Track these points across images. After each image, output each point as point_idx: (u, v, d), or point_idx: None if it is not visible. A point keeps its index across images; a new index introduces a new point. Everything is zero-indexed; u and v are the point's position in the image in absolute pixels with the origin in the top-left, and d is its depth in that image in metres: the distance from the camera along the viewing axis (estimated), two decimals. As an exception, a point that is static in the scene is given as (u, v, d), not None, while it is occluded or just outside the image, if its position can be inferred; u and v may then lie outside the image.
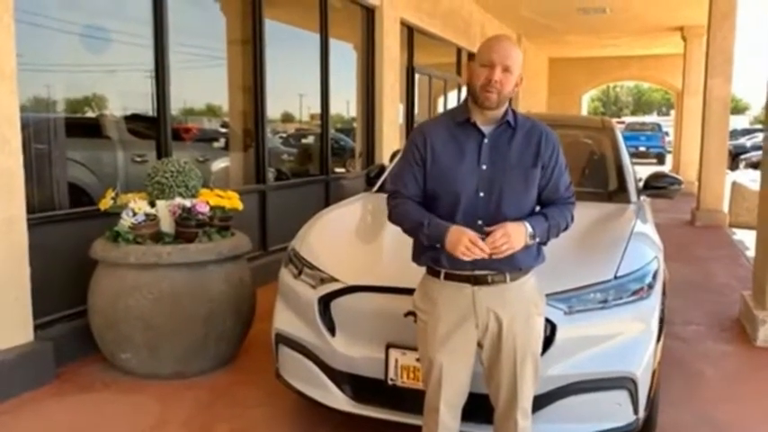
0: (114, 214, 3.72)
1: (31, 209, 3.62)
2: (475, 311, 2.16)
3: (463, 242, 2.01)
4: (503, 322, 2.16)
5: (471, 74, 2.16)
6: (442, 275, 2.19)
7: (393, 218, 2.27)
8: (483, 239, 2.03)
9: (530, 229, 2.09)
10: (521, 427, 2.23)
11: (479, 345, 2.21)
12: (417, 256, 2.27)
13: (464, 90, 13.07)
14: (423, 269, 2.30)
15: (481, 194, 2.14)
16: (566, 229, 2.26)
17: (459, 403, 2.28)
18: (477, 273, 2.14)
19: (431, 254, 2.18)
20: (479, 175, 2.14)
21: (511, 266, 2.15)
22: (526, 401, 2.24)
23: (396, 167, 2.33)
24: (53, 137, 4.21)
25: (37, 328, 3.66)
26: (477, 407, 2.36)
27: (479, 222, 2.12)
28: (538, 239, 2.14)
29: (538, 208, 2.25)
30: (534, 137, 2.20)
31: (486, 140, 2.17)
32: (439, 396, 2.23)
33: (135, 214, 3.61)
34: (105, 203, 3.78)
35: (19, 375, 3.44)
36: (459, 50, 12.11)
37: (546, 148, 2.20)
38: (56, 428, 3.17)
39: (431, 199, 2.20)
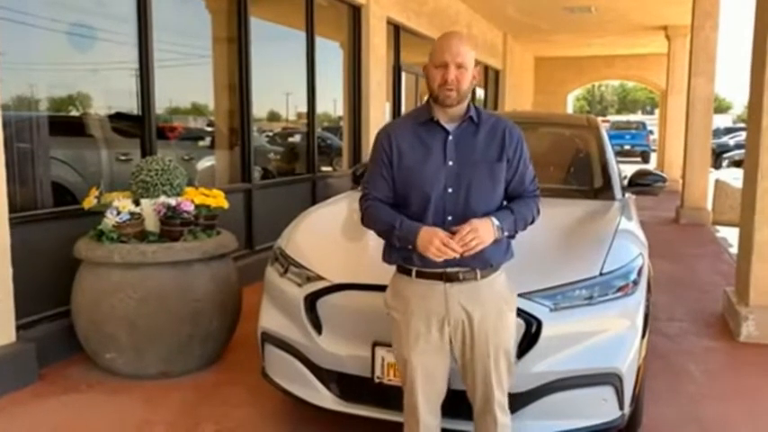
0: (98, 213, 3.69)
1: (13, 208, 3.58)
2: (447, 308, 2.18)
3: (435, 243, 2.03)
4: (474, 319, 2.18)
5: (428, 75, 2.20)
6: (413, 273, 2.20)
7: (365, 221, 2.27)
8: (451, 238, 2.05)
9: (496, 223, 2.11)
10: (500, 423, 2.25)
11: (452, 341, 2.22)
12: (388, 256, 2.27)
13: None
14: None
15: (449, 191, 2.16)
16: (532, 221, 2.28)
17: (437, 400, 2.30)
18: (449, 270, 2.16)
19: (402, 253, 2.19)
20: (446, 172, 2.16)
21: (481, 263, 2.17)
22: (502, 397, 2.26)
23: (366, 171, 2.33)
24: (36, 135, 4.16)
25: (19, 328, 3.62)
26: (460, 403, 2.36)
27: (449, 218, 2.14)
28: (506, 233, 2.16)
29: (505, 203, 2.26)
30: (498, 132, 2.23)
31: (450, 137, 2.20)
32: (417, 394, 2.24)
33: (119, 213, 3.58)
34: (89, 202, 3.75)
35: (0, 376, 3.40)
36: (445, 49, 12.11)
37: (510, 143, 2.22)
38: (38, 430, 3.13)
39: (401, 198, 2.21)
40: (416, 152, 2.20)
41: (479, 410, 2.28)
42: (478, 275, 2.17)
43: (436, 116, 2.21)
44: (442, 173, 2.16)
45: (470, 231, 2.04)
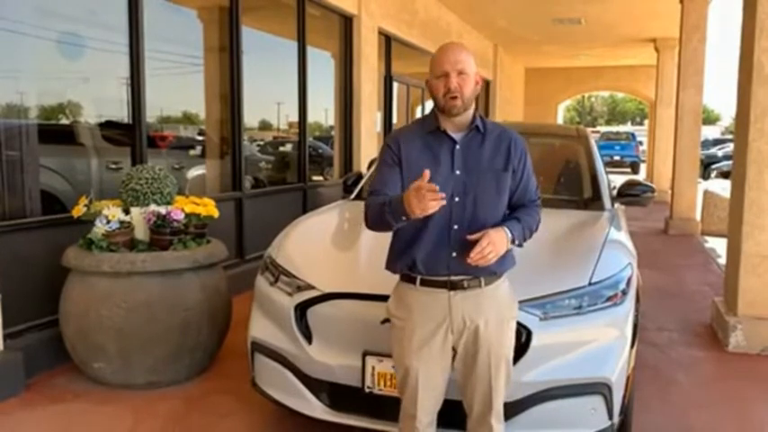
0: (88, 222, 3.67)
1: (1, 216, 3.56)
2: (451, 317, 2.17)
3: (426, 197, 1.89)
4: (478, 327, 2.18)
5: (431, 88, 2.21)
6: (417, 281, 2.20)
7: (368, 222, 2.21)
8: (467, 249, 2.05)
9: (509, 234, 2.13)
10: (496, 431, 2.25)
11: (454, 350, 2.22)
12: (392, 264, 2.27)
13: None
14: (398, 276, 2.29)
15: (456, 199, 2.16)
16: (536, 230, 2.31)
17: (435, 409, 2.29)
18: (453, 278, 2.16)
19: (406, 260, 2.19)
20: (454, 181, 2.17)
21: (486, 271, 2.17)
22: (500, 406, 2.26)
23: (373, 175, 2.32)
24: (25, 143, 4.14)
25: (6, 337, 3.59)
26: (451, 413, 2.36)
27: (455, 227, 2.14)
28: (517, 242, 2.18)
29: (507, 211, 2.27)
30: (504, 142, 2.25)
31: (457, 146, 2.21)
32: (416, 402, 2.23)
33: (109, 221, 3.57)
34: (78, 211, 3.73)
35: (-13, 386, 3.37)
36: (436, 60, 12.17)
37: (515, 153, 2.24)
38: (25, 440, 3.11)
39: None
40: (425, 161, 2.19)
41: (475, 420, 2.28)
42: (482, 283, 2.18)
43: (443, 126, 2.21)
44: (450, 181, 2.16)
45: (489, 244, 2.04)
